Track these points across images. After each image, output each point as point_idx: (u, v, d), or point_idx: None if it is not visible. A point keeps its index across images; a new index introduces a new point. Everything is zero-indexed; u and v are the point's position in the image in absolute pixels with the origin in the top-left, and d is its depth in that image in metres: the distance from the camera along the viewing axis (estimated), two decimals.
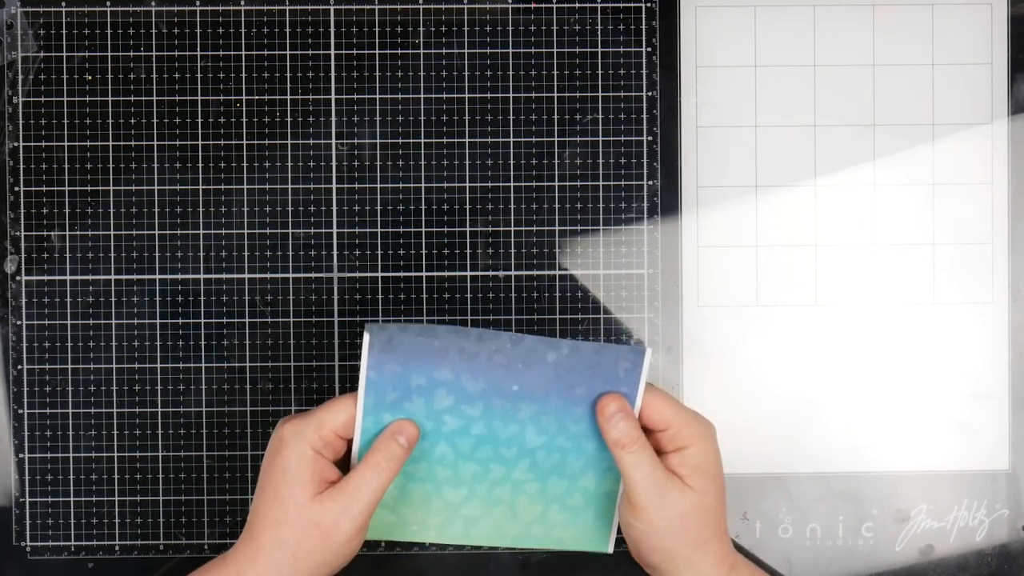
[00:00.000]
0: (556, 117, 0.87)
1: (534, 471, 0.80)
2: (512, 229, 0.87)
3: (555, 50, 0.87)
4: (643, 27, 0.87)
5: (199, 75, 0.87)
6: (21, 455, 0.86)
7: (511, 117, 0.87)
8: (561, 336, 0.87)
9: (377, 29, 0.87)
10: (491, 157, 0.87)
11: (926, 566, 0.87)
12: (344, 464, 0.78)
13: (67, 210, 0.87)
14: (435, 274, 0.87)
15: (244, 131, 0.87)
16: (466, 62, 0.87)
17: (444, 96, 0.87)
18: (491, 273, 0.87)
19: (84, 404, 0.86)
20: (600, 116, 0.87)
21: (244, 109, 0.87)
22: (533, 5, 0.87)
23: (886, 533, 0.87)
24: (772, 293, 0.88)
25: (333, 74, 0.87)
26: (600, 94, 0.87)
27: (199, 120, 0.87)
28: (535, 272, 0.87)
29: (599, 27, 0.87)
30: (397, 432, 0.76)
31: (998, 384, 0.88)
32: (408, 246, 0.87)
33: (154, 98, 0.87)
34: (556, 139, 0.87)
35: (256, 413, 0.87)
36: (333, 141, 0.87)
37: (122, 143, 0.87)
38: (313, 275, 0.87)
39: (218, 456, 0.87)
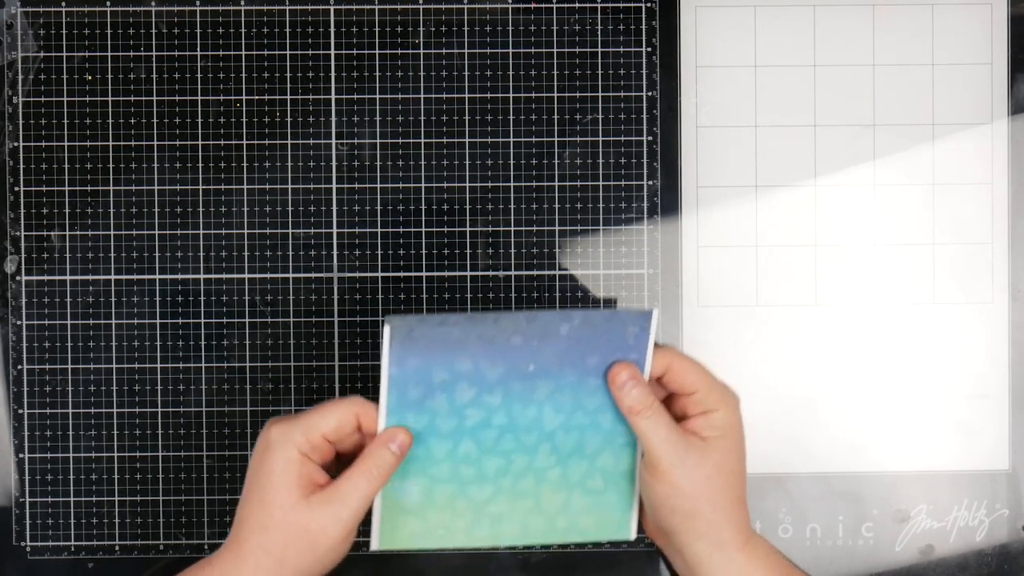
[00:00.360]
0: (556, 117, 0.87)
1: (555, 455, 0.79)
2: (512, 229, 0.87)
3: (555, 50, 0.87)
4: (643, 27, 0.87)
5: (199, 75, 0.87)
6: (21, 455, 0.86)
7: (511, 117, 0.87)
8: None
9: (377, 29, 0.87)
10: (491, 157, 0.87)
11: (926, 566, 0.87)
12: (331, 469, 0.77)
13: (67, 210, 0.87)
14: (435, 274, 0.87)
15: (244, 131, 0.87)
16: (466, 62, 0.87)
17: (444, 96, 0.87)
18: (491, 273, 0.87)
19: (84, 404, 0.86)
20: (600, 116, 0.87)
21: (244, 109, 0.87)
22: (533, 5, 0.87)
23: (886, 533, 0.87)
24: (772, 293, 0.88)
25: (333, 74, 0.87)
26: (600, 94, 0.87)
27: (199, 120, 0.87)
28: (535, 272, 0.87)
29: (599, 27, 0.87)
30: (389, 440, 0.75)
31: (998, 384, 0.88)
32: (408, 246, 0.87)
33: (154, 98, 0.87)
34: (556, 139, 0.87)
35: (256, 413, 0.87)
36: (333, 141, 0.87)
37: (122, 143, 0.87)
38: (313, 275, 0.87)
39: (218, 456, 0.87)
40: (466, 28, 0.87)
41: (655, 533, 0.81)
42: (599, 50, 0.87)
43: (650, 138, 0.87)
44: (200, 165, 0.87)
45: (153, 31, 0.87)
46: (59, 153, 0.86)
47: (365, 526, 0.87)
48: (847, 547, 0.87)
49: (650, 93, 0.87)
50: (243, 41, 0.87)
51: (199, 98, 0.87)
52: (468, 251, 0.87)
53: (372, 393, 0.77)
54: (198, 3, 0.87)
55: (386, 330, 0.74)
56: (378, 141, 0.87)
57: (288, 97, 0.87)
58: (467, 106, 0.87)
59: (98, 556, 0.87)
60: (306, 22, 0.87)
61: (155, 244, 0.87)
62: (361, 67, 0.87)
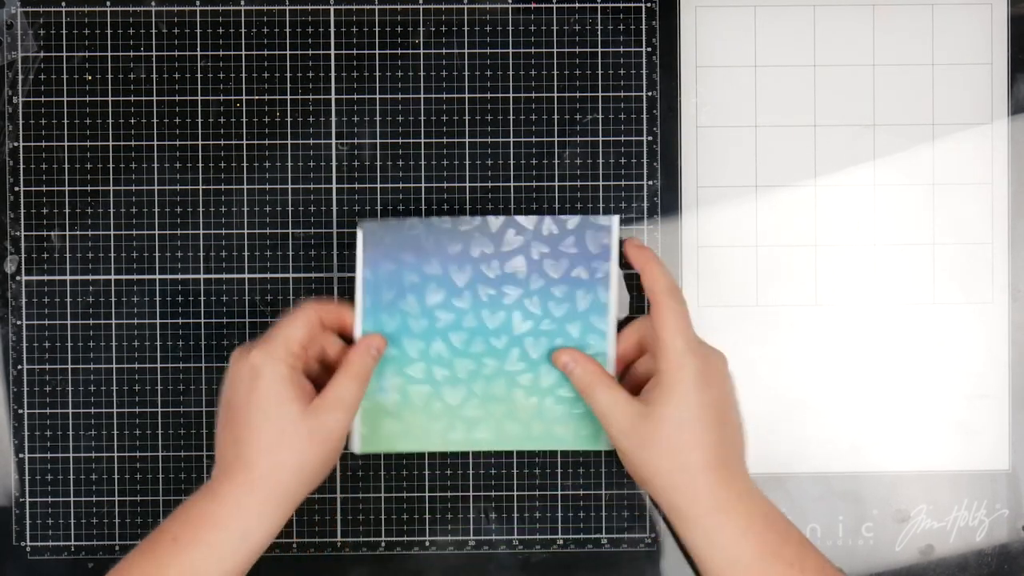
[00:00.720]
0: (556, 117, 0.87)
1: (525, 360, 0.84)
2: None
3: (555, 50, 0.87)
4: (643, 27, 0.87)
5: (199, 75, 0.87)
6: (21, 455, 0.86)
7: (511, 117, 0.87)
8: None
9: (377, 29, 0.87)
10: (491, 157, 0.87)
11: (926, 566, 0.87)
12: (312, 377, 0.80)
13: (67, 210, 0.87)
14: None
15: (244, 131, 0.87)
16: (466, 62, 0.87)
17: (444, 96, 0.87)
18: None
19: (84, 404, 0.86)
20: (600, 116, 0.87)
21: (244, 109, 0.87)
22: (533, 5, 0.87)
23: (886, 533, 0.87)
24: (772, 293, 0.88)
25: (333, 74, 0.87)
26: (600, 94, 0.87)
27: (199, 120, 0.87)
28: None
29: (599, 27, 0.87)
30: (370, 345, 0.80)
31: (998, 384, 0.88)
32: None
33: (154, 98, 0.87)
34: (556, 139, 0.87)
35: None
36: (333, 141, 0.87)
37: (122, 143, 0.87)
38: (313, 275, 0.87)
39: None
40: (466, 28, 0.87)
41: (637, 480, 0.82)
42: (599, 50, 0.87)
43: (650, 138, 0.87)
44: (200, 165, 0.87)
45: (153, 31, 0.87)
46: (59, 153, 0.86)
47: (365, 527, 0.87)
48: (847, 547, 0.87)
49: (650, 93, 0.87)
50: (243, 41, 0.87)
51: (199, 98, 0.87)
52: None
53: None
54: (198, 3, 0.87)
55: (359, 234, 0.83)
56: (378, 141, 0.87)
57: (288, 97, 0.87)
58: (467, 106, 0.87)
59: (98, 556, 0.87)
60: (306, 22, 0.87)
61: (155, 244, 0.87)
62: (361, 67, 0.87)
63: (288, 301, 0.86)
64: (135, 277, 0.87)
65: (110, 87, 0.87)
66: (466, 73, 0.87)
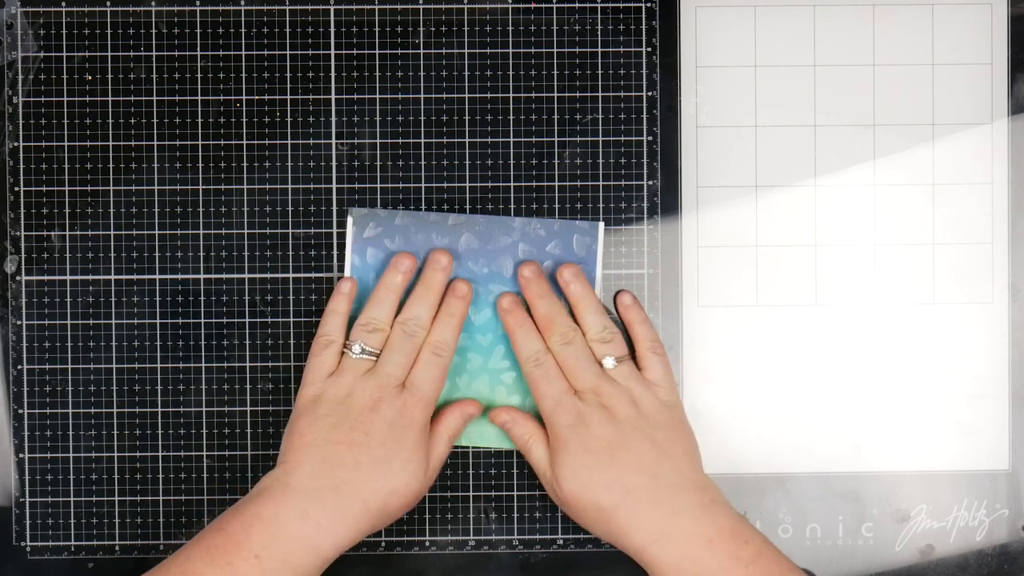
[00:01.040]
0: (556, 117, 0.87)
1: (508, 358, 0.85)
2: None
3: (555, 50, 0.87)
4: (643, 27, 0.87)
5: (199, 75, 0.87)
6: (21, 455, 0.86)
7: (511, 117, 0.87)
8: None
9: (377, 29, 0.87)
10: (491, 157, 0.87)
11: (926, 566, 0.87)
12: None
13: (67, 210, 0.87)
14: None
15: (244, 131, 0.87)
16: (466, 62, 0.87)
17: (444, 96, 0.87)
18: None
19: (84, 404, 0.86)
20: (600, 116, 0.87)
21: (244, 109, 0.87)
22: (533, 5, 0.87)
23: (886, 533, 0.87)
24: (772, 293, 0.88)
25: (333, 74, 0.87)
26: (600, 94, 0.87)
27: (199, 120, 0.87)
28: None
29: (599, 27, 0.87)
30: (464, 410, 0.84)
31: (998, 384, 0.88)
32: None
33: (154, 98, 0.87)
34: (556, 139, 0.87)
35: (256, 413, 0.87)
36: (333, 141, 0.87)
37: (122, 143, 0.87)
38: (313, 275, 0.87)
39: (218, 456, 0.87)
40: (466, 28, 0.87)
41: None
42: (599, 50, 0.87)
43: (650, 138, 0.87)
44: (200, 165, 0.87)
45: (153, 31, 0.87)
46: (59, 153, 0.86)
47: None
48: (847, 547, 0.87)
49: (650, 93, 0.87)
50: (243, 41, 0.87)
51: (199, 98, 0.87)
52: None
53: None
54: (198, 3, 0.87)
55: (349, 220, 0.85)
56: (378, 141, 0.87)
57: (288, 97, 0.87)
58: (467, 106, 0.87)
59: (98, 556, 0.87)
60: (306, 22, 0.87)
61: (155, 244, 0.87)
62: (361, 67, 0.87)
63: (288, 301, 0.87)
64: (135, 277, 0.87)
65: (110, 87, 0.87)
66: (466, 73, 0.87)
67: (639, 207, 0.87)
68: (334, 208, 0.87)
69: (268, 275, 0.87)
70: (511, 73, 0.87)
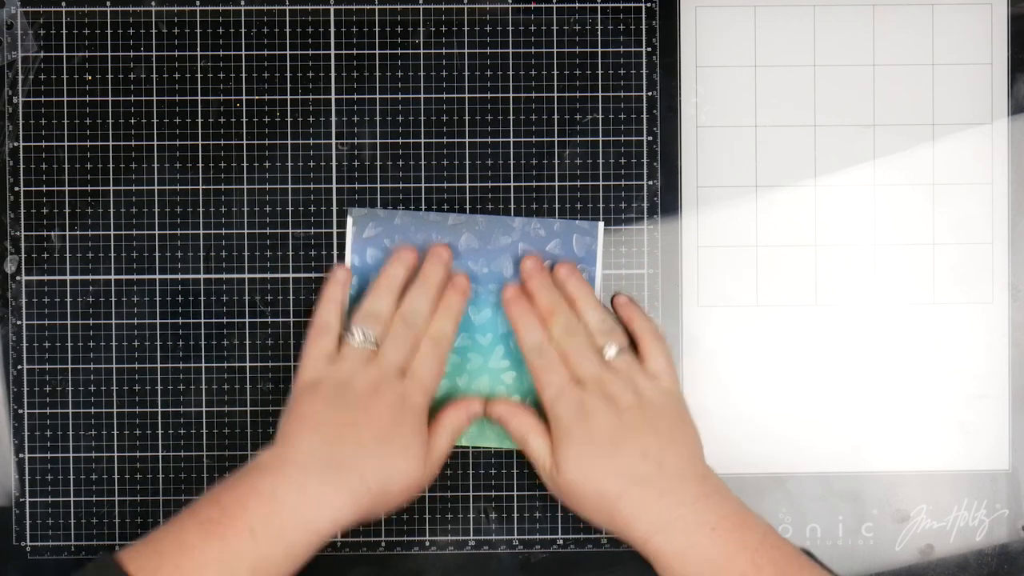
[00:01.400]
0: (556, 117, 0.87)
1: (509, 358, 0.85)
2: None
3: (555, 50, 0.87)
4: (643, 27, 0.87)
5: (199, 75, 0.87)
6: (21, 455, 0.86)
7: (511, 117, 0.87)
8: None
9: (377, 29, 0.87)
10: (491, 157, 0.87)
11: (926, 566, 0.87)
12: None
13: (67, 210, 0.87)
14: None
15: (244, 131, 0.87)
16: (466, 62, 0.87)
17: (444, 96, 0.87)
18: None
19: (84, 404, 0.86)
20: (600, 116, 0.87)
21: (244, 109, 0.87)
22: (533, 5, 0.87)
23: (886, 533, 0.87)
24: (772, 293, 0.88)
25: (333, 74, 0.87)
26: (600, 94, 0.87)
27: (199, 120, 0.87)
28: None
29: (599, 27, 0.87)
30: (469, 407, 0.84)
31: (998, 384, 0.88)
32: None
33: (154, 98, 0.87)
34: (556, 139, 0.87)
35: (256, 413, 0.87)
36: (333, 141, 0.87)
37: (122, 143, 0.87)
38: (313, 275, 0.87)
39: (218, 456, 0.87)
40: (466, 28, 0.87)
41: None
42: (599, 50, 0.87)
43: (650, 138, 0.87)
44: (200, 165, 0.87)
45: (153, 31, 0.87)
46: (59, 153, 0.86)
47: (365, 527, 0.87)
48: (847, 547, 0.87)
49: (650, 93, 0.87)
50: (243, 41, 0.87)
51: (199, 98, 0.87)
52: None
53: None
54: (198, 3, 0.87)
55: (349, 221, 0.85)
56: (378, 141, 0.87)
57: (288, 97, 0.87)
58: (467, 106, 0.87)
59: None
60: (306, 22, 0.87)
61: (155, 244, 0.87)
62: (361, 67, 0.87)
63: (288, 301, 0.86)
64: (135, 277, 0.87)
65: (110, 87, 0.87)
66: (466, 73, 0.87)
67: (639, 207, 0.87)
68: (334, 208, 0.87)
69: (268, 275, 0.87)
70: (511, 73, 0.87)
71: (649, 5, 0.87)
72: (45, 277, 0.87)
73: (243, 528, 0.74)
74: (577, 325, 0.82)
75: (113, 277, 0.87)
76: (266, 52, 0.87)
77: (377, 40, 0.87)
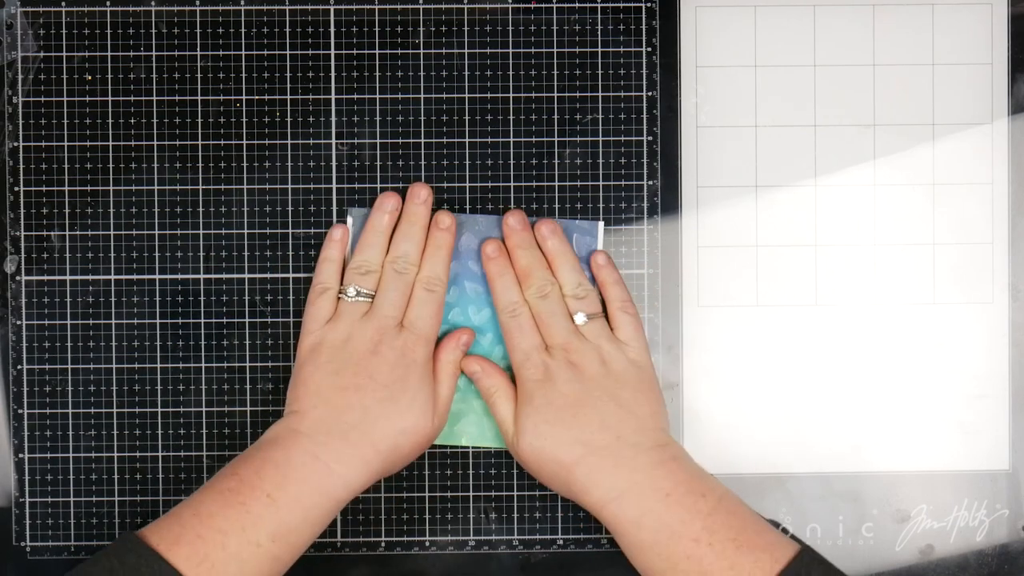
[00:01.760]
0: (556, 117, 0.87)
1: (507, 360, 0.85)
2: None
3: (555, 50, 0.87)
4: (643, 27, 0.87)
5: (199, 75, 0.87)
6: (21, 455, 0.86)
7: (511, 117, 0.87)
8: None
9: (377, 29, 0.87)
10: (491, 157, 0.87)
11: (926, 566, 0.87)
12: None
13: (67, 210, 0.87)
14: None
15: (244, 131, 0.87)
16: (466, 62, 0.87)
17: (444, 96, 0.87)
18: None
19: (84, 404, 0.86)
20: (600, 116, 0.87)
21: (244, 109, 0.87)
22: (533, 5, 0.87)
23: (886, 533, 0.87)
24: (772, 293, 0.88)
25: (333, 74, 0.87)
26: (600, 94, 0.87)
27: (199, 120, 0.87)
28: None
29: (599, 27, 0.87)
30: (459, 340, 0.84)
31: (998, 384, 0.88)
32: None
33: (154, 98, 0.87)
34: (556, 139, 0.87)
35: (256, 413, 0.87)
36: (333, 141, 0.87)
37: (122, 143, 0.87)
38: (313, 275, 0.86)
39: (218, 456, 0.87)
40: (466, 28, 0.87)
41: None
42: (599, 50, 0.87)
43: (650, 138, 0.87)
44: (200, 165, 0.87)
45: (153, 31, 0.87)
46: (59, 153, 0.86)
47: (365, 527, 0.87)
48: (847, 547, 0.87)
49: (650, 93, 0.87)
50: (243, 41, 0.87)
51: (199, 98, 0.87)
52: None
53: None
54: (198, 3, 0.87)
55: (348, 221, 0.85)
56: (378, 141, 0.87)
57: (288, 97, 0.87)
58: (467, 106, 0.87)
59: None
60: (306, 22, 0.87)
61: (155, 244, 0.87)
62: (361, 67, 0.87)
63: (288, 301, 0.86)
64: (135, 277, 0.87)
65: (110, 87, 0.87)
66: (466, 73, 0.87)
67: (639, 207, 0.87)
68: (334, 208, 0.87)
69: (268, 275, 0.87)
70: (511, 73, 0.87)
71: (649, 5, 0.87)
72: (45, 277, 0.87)
73: (261, 495, 0.75)
74: (552, 288, 0.82)
75: (113, 277, 0.87)
76: (266, 52, 0.87)
77: (377, 40, 0.87)
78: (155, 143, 0.87)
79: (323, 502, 0.77)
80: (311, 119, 0.87)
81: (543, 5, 0.87)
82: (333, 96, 0.87)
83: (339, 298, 0.82)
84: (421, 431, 0.80)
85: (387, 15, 0.87)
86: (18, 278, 0.87)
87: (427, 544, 0.87)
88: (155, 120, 0.87)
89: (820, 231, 0.88)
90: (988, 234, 0.88)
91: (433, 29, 0.87)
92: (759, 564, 0.75)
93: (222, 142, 0.87)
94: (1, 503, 0.87)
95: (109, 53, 0.87)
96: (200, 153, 0.87)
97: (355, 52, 0.87)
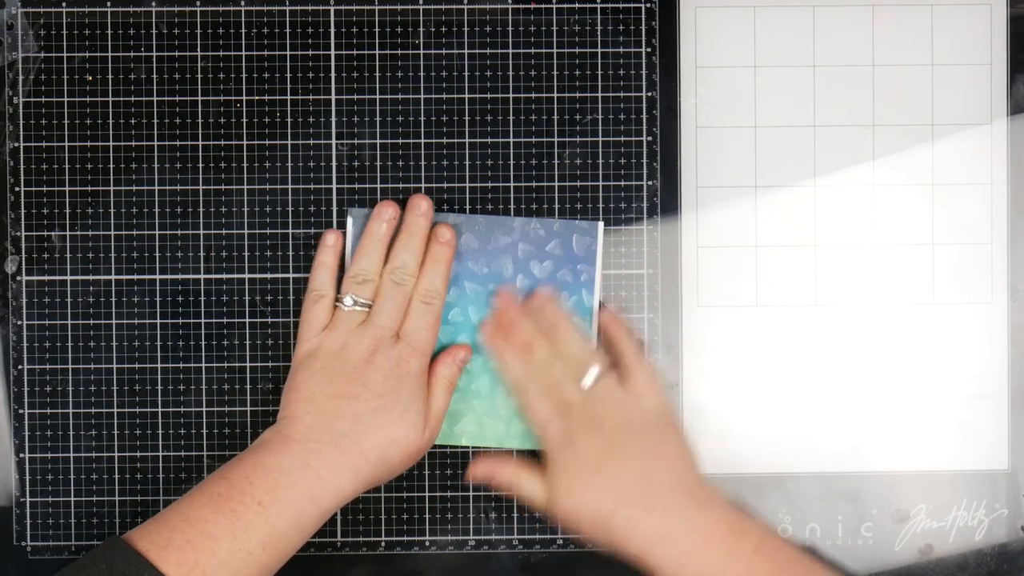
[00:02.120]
0: (556, 117, 0.87)
1: None
2: None
3: (555, 50, 0.87)
4: (643, 27, 0.87)
5: (199, 75, 0.87)
6: (21, 455, 0.86)
7: (511, 117, 0.87)
8: None
9: (377, 29, 0.87)
10: (491, 157, 0.87)
11: (925, 566, 0.87)
12: None
13: (67, 210, 0.87)
14: None
15: (244, 131, 0.87)
16: (466, 62, 0.87)
17: (444, 96, 0.87)
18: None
19: (84, 404, 0.87)
20: (600, 116, 0.87)
21: (244, 109, 0.87)
22: (533, 5, 0.87)
23: (885, 533, 0.87)
24: (772, 293, 0.88)
25: (333, 74, 0.87)
26: (600, 94, 0.87)
27: (199, 120, 0.87)
28: None
29: (599, 27, 0.87)
30: (456, 356, 0.84)
31: (998, 384, 0.88)
32: None
33: (154, 98, 0.87)
34: (556, 139, 0.87)
35: (256, 413, 0.87)
36: (333, 141, 0.87)
37: (122, 143, 0.87)
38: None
39: (218, 456, 0.87)
40: (466, 28, 0.87)
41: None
42: (599, 50, 0.87)
43: (650, 138, 0.87)
44: (200, 165, 0.87)
45: (153, 31, 0.87)
46: (59, 153, 0.86)
47: (365, 527, 0.87)
48: (847, 547, 0.87)
49: (650, 93, 0.87)
50: (243, 41, 0.87)
51: (199, 98, 0.87)
52: None
53: None
54: (198, 3, 0.87)
55: (348, 221, 0.85)
56: (378, 141, 0.87)
57: (288, 97, 0.87)
58: (467, 106, 0.87)
59: None
60: (306, 22, 0.87)
61: (155, 244, 0.87)
62: (361, 67, 0.87)
63: (288, 301, 0.87)
64: (135, 277, 0.87)
65: (110, 87, 0.87)
66: (466, 73, 0.87)
67: (639, 207, 0.87)
68: (334, 208, 0.87)
69: (268, 275, 0.87)
70: (511, 73, 0.87)
71: (649, 5, 0.87)
72: (45, 277, 0.87)
73: (252, 502, 0.75)
74: (555, 356, 0.82)
75: (113, 277, 0.87)
76: (266, 52, 0.87)
77: (377, 40, 0.87)
78: (155, 143, 0.87)
79: (312, 509, 0.77)
80: (311, 119, 0.87)
81: (543, 5, 0.87)
82: (333, 96, 0.87)
83: (336, 306, 0.82)
84: (411, 443, 0.80)
85: (387, 15, 0.87)
86: (19, 278, 0.87)
87: (427, 544, 0.87)
88: (155, 120, 0.87)
89: (820, 231, 0.88)
90: (987, 234, 0.88)
91: (433, 29, 0.87)
92: None
93: (222, 142, 0.87)
94: (2, 503, 0.87)
95: (109, 53, 0.87)
96: (200, 153, 0.87)
97: (355, 52, 0.87)
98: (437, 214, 0.85)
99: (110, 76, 0.87)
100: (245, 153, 0.87)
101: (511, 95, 0.87)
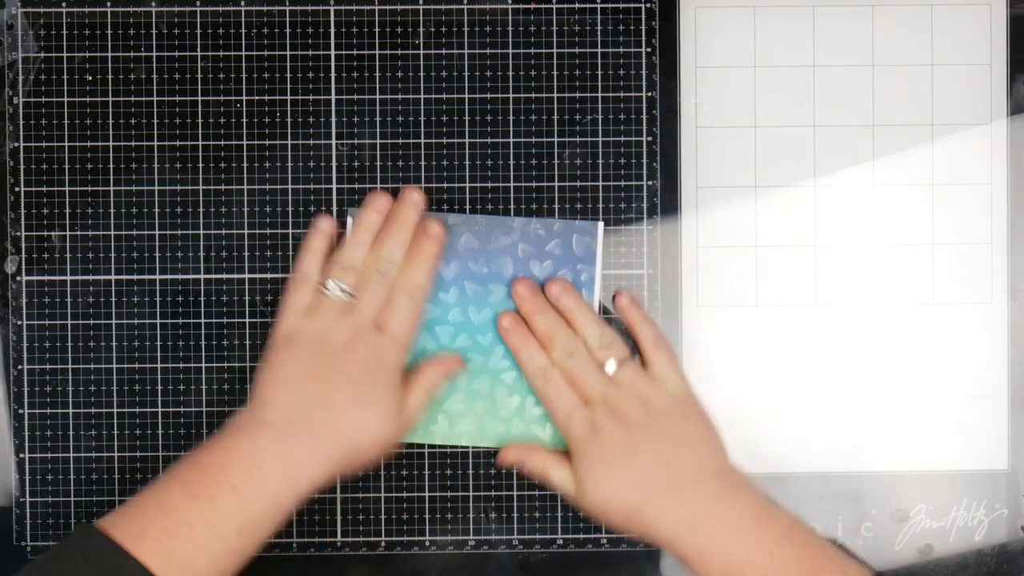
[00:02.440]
0: (556, 117, 0.87)
1: (509, 358, 0.85)
2: None
3: (555, 50, 0.87)
4: (643, 27, 0.87)
5: (199, 75, 0.87)
6: (21, 455, 0.86)
7: (511, 117, 0.87)
8: None
9: (377, 29, 0.87)
10: (491, 157, 0.87)
11: (925, 566, 0.87)
12: None
13: (67, 210, 0.87)
14: None
15: (244, 131, 0.87)
16: (466, 62, 0.87)
17: (444, 96, 0.87)
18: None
19: (84, 404, 0.87)
20: (600, 116, 0.87)
21: (244, 109, 0.87)
22: (533, 5, 0.87)
23: (885, 533, 0.87)
24: (772, 293, 0.88)
25: (333, 74, 0.87)
26: (600, 94, 0.87)
27: (199, 120, 0.87)
28: None
29: (599, 27, 0.87)
30: (447, 364, 0.84)
31: (998, 384, 0.88)
32: None
33: (154, 98, 0.87)
34: (556, 139, 0.87)
35: None
36: (333, 141, 0.87)
37: (122, 143, 0.87)
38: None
39: None
40: (466, 28, 0.87)
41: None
42: (599, 50, 0.87)
43: (650, 138, 0.87)
44: (200, 165, 0.87)
45: (153, 31, 0.87)
46: (59, 153, 0.87)
47: (365, 527, 0.87)
48: (846, 547, 0.87)
49: (650, 93, 0.87)
50: (243, 41, 0.87)
51: (199, 98, 0.87)
52: None
53: None
54: (198, 3, 0.87)
55: (349, 220, 0.85)
56: (378, 141, 0.87)
57: (288, 97, 0.87)
58: (467, 106, 0.87)
59: None
60: (306, 22, 0.87)
61: (155, 244, 0.87)
62: (361, 67, 0.87)
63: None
64: (135, 277, 0.87)
65: (110, 87, 0.87)
66: (466, 73, 0.87)
67: (639, 207, 0.87)
68: (334, 208, 0.87)
69: (268, 275, 0.87)
70: (511, 73, 0.87)
71: (649, 5, 0.87)
72: (45, 277, 0.87)
73: (228, 489, 0.75)
74: (576, 345, 0.82)
75: (113, 277, 0.87)
76: (266, 52, 0.87)
77: (377, 40, 0.87)
78: (155, 143, 0.87)
79: (287, 492, 0.76)
80: (311, 119, 0.87)
81: (543, 5, 0.87)
82: (333, 96, 0.87)
83: (319, 290, 0.82)
84: (381, 433, 0.79)
85: (387, 15, 0.87)
86: (19, 278, 0.87)
87: (427, 544, 0.87)
88: (155, 120, 0.87)
89: (819, 231, 0.88)
90: (987, 234, 0.88)
91: (433, 29, 0.87)
92: None
93: (222, 142, 0.87)
94: (2, 503, 0.87)
95: (109, 53, 0.87)
96: (200, 153, 0.87)
97: (355, 52, 0.87)
98: (438, 214, 0.85)
99: (110, 76, 0.87)
100: (245, 153, 0.87)
101: (511, 95, 0.87)
